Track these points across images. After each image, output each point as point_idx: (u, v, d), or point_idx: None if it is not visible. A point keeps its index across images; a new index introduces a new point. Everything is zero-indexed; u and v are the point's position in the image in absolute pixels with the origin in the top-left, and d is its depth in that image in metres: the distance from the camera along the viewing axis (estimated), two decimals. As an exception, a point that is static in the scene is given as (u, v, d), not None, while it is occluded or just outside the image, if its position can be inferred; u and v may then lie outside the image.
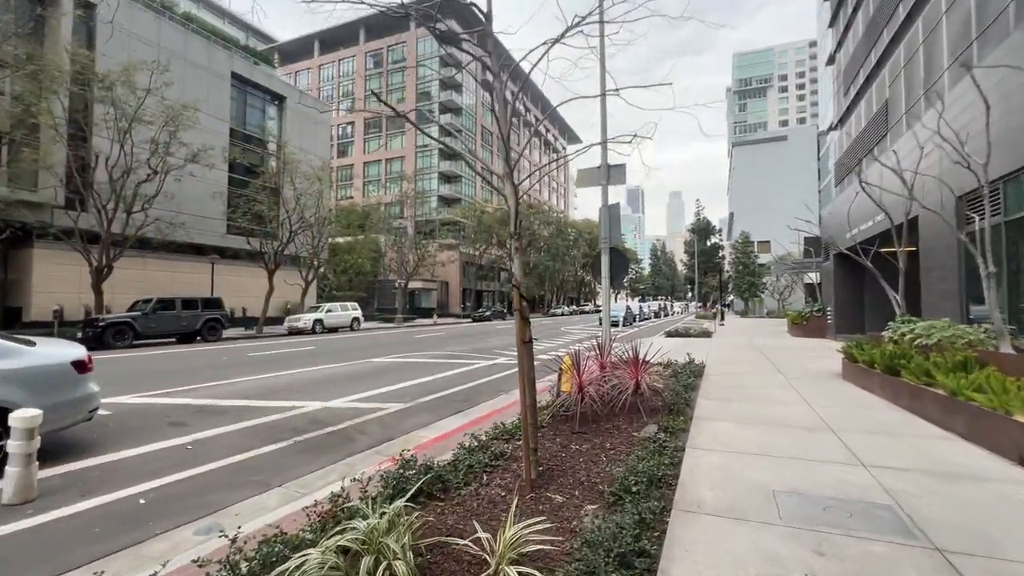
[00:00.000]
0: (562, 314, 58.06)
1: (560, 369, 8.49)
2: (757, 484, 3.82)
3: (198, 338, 18.54)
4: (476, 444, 4.83)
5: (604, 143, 10.25)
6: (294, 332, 23.32)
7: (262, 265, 24.52)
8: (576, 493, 3.76)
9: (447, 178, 64.62)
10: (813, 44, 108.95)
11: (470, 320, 41.17)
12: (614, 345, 9.73)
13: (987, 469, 4.15)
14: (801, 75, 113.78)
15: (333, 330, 25.32)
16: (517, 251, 4.32)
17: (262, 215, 24.13)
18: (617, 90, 4.82)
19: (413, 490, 3.31)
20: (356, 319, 25.91)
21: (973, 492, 3.65)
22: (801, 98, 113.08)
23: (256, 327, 23.66)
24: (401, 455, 4.07)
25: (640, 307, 39.99)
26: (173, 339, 18.42)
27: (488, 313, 41.97)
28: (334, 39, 71.85)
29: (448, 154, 64.95)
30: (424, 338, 20.13)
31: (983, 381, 5.04)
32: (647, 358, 9.94)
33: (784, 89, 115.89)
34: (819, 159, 60.01)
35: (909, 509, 3.32)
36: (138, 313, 16.45)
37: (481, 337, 20.73)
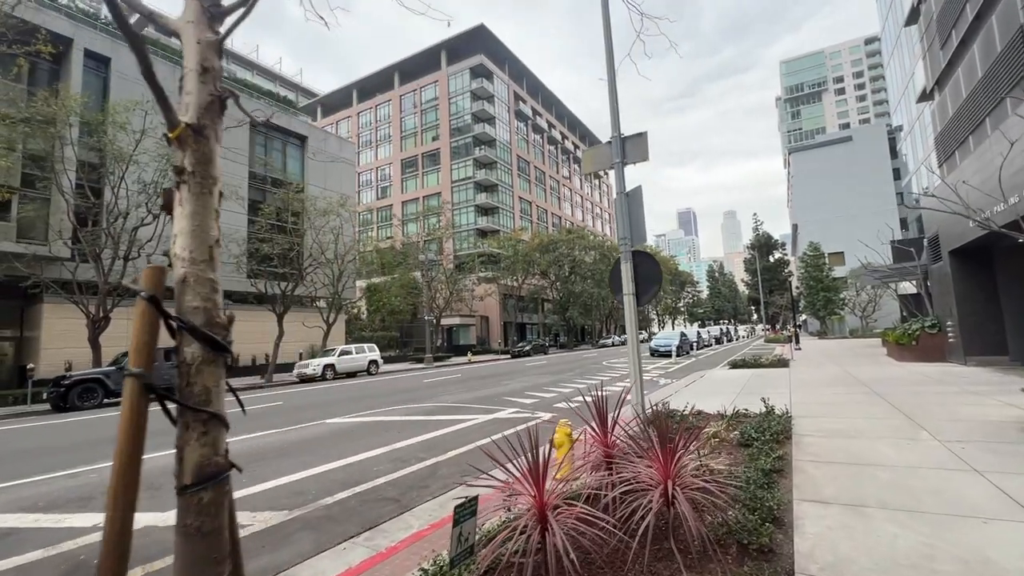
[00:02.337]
0: (612, 344, 53.79)
1: (551, 445, 5.40)
2: None
3: (188, 392, 16.66)
4: None
5: (614, 99, 7.29)
6: (305, 379, 21.23)
7: (279, 308, 22.86)
8: None
9: (484, 210, 63.23)
10: (870, 41, 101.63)
11: (509, 356, 38.08)
12: (663, 382, 6.51)
13: None
14: (859, 75, 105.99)
15: (351, 374, 23.09)
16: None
17: (269, 255, 22.68)
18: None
19: None
20: (374, 362, 23.58)
21: None
22: (862, 99, 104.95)
23: (266, 375, 21.82)
24: None
25: (698, 333, 35.36)
26: (161, 394, 16.68)
27: (528, 348, 38.71)
28: (371, 86, 74.21)
29: (484, 186, 63.85)
30: (434, 383, 17.27)
31: None
32: (692, 413, 6.65)
33: (841, 91, 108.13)
34: (897, 155, 53.41)
35: None
36: (112, 368, 14.78)
37: (501, 379, 17.63)
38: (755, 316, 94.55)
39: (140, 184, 17.67)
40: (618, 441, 4.27)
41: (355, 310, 41.82)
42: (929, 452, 5.15)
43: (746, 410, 7.57)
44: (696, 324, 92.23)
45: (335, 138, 35.76)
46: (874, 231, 31.00)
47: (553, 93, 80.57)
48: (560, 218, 78.91)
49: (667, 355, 24.46)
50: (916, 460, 4.89)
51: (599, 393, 4.45)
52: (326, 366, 21.25)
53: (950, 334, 14.80)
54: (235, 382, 22.04)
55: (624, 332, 73.85)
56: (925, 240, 18.15)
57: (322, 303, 26.78)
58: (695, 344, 31.42)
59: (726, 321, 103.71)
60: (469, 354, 35.69)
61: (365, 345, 24.14)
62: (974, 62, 12.07)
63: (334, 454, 6.84)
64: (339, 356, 22.06)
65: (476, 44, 63.95)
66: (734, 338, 57.72)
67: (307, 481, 5.60)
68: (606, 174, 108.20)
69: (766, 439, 5.63)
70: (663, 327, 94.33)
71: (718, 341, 44.35)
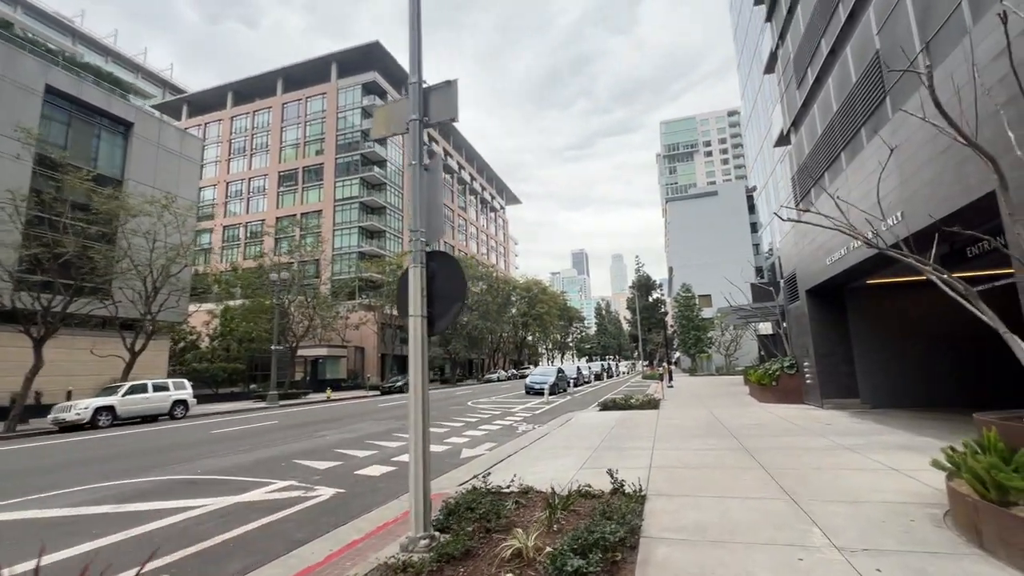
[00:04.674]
0: (498, 379, 51.56)
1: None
2: None
3: None
4: None
5: (415, 30, 4.93)
6: (66, 427, 15.67)
7: (38, 331, 16.98)
8: None
9: (369, 233, 58.91)
10: (732, 113, 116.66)
11: (378, 393, 33.96)
12: (522, 428, 3.95)
13: None
14: (723, 141, 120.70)
15: (148, 419, 17.76)
16: None
17: (23, 258, 17.03)
18: None
19: None
20: (181, 402, 18.48)
21: None
22: (725, 162, 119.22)
23: (7, 421, 15.79)
24: None
25: (578, 369, 34.44)
26: None
27: (400, 383, 34.85)
28: (250, 90, 67.39)
29: (371, 208, 59.80)
30: (228, 434, 13.15)
31: None
32: (518, 492, 4.54)
33: (709, 153, 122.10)
34: (754, 211, 59.74)
35: None
36: None
37: (324, 427, 14.10)
38: (637, 352, 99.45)
39: None
40: None
41: (193, 337, 34.98)
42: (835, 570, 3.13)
43: (588, 487, 5.35)
44: (584, 359, 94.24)
45: (175, 130, 30.11)
46: (736, 277, 33.00)
47: (451, 123, 79.51)
48: (453, 248, 76.58)
49: (540, 393, 22.60)
50: (823, 612, 2.80)
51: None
52: (100, 409, 15.88)
53: (807, 375, 14.53)
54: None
55: (515, 367, 72.11)
56: (782, 281, 18.49)
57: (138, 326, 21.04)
58: (573, 381, 30.24)
59: (612, 357, 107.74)
60: (329, 391, 31.03)
61: (171, 381, 18.89)
62: (829, 98, 12.14)
63: None
64: (124, 396, 16.76)
65: (370, 61, 61.06)
66: (615, 374, 58.80)
67: None
68: (503, 208, 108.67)
69: (596, 562, 3.29)
70: (552, 362, 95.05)
71: (598, 377, 44.23)
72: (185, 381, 19.70)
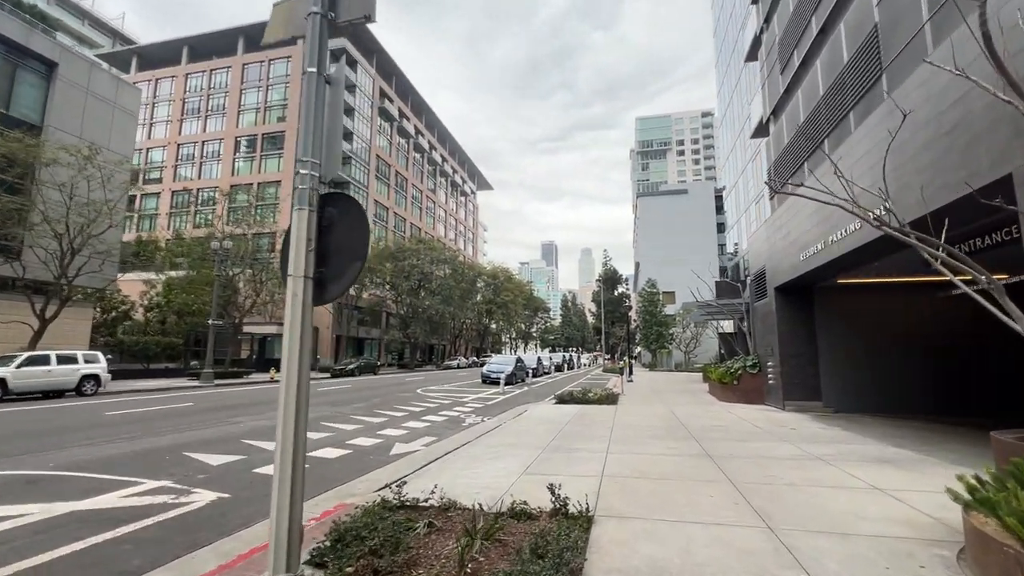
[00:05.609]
0: (457, 366, 50.36)
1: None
2: None
3: None
4: None
5: None
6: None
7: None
8: None
9: (330, 208, 56.13)
10: (706, 114, 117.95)
11: (329, 375, 32.22)
12: (469, 421, 2.84)
13: None
14: (696, 141, 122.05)
15: (54, 394, 15.70)
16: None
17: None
18: None
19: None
20: (91, 377, 16.46)
21: None
22: (696, 161, 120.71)
23: None
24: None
25: (538, 360, 33.61)
26: None
27: (353, 366, 33.19)
28: (207, 47, 62.80)
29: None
30: (123, 416, 11.40)
31: None
32: (438, 507, 4.29)
33: (681, 152, 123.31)
34: (722, 211, 60.35)
35: None
36: None
37: (245, 411, 12.61)
38: (599, 346, 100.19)
39: None
40: None
41: (125, 307, 32.16)
42: None
43: (524, 505, 4.28)
44: (547, 349, 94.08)
45: (109, 77, 27.16)
46: (703, 273, 32.86)
47: (425, 100, 76.82)
48: (420, 230, 74.27)
49: (496, 383, 21.60)
50: None
51: None
52: (-14, 382, 13.83)
53: (770, 375, 14.03)
54: None
55: (476, 354, 70.99)
56: (748, 279, 18.02)
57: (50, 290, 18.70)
58: (532, 371, 29.41)
59: (575, 349, 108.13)
60: (273, 371, 29.11)
61: (80, 353, 16.78)
62: (816, 81, 11.45)
63: None
64: (19, 367, 14.66)
65: (341, 27, 57.78)
66: (576, 366, 58.61)
67: None
68: (474, 193, 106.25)
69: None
70: (516, 351, 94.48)
71: (559, 368, 43.68)
72: (99, 354, 17.59)
